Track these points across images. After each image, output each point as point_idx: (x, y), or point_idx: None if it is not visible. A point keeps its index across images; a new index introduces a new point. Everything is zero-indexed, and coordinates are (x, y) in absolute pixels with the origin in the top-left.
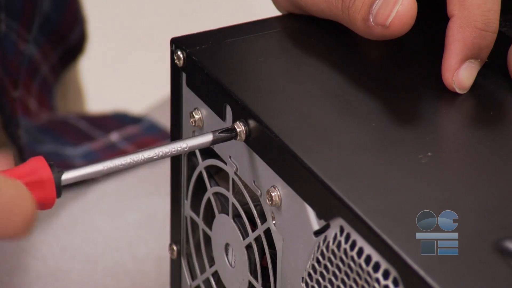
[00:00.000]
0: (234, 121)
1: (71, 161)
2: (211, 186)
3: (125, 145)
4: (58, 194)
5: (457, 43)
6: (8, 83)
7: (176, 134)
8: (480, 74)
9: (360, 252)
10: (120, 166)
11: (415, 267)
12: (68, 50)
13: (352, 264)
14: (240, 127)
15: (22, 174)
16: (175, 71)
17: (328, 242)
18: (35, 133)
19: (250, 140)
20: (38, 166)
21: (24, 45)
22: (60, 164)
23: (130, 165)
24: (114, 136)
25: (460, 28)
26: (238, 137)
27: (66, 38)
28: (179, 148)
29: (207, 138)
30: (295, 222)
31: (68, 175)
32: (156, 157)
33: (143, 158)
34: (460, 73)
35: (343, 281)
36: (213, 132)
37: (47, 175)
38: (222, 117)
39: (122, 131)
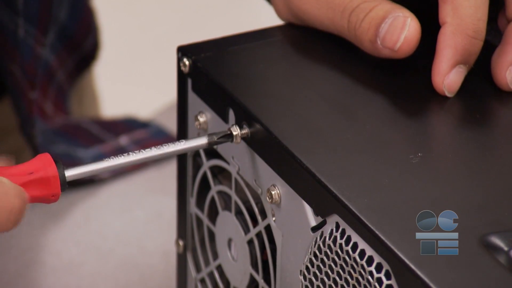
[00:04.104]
0: (236, 123)
1: (82, 162)
2: (214, 185)
3: (133, 148)
4: (63, 188)
5: (449, 48)
6: (25, 84)
7: (182, 136)
8: (467, 80)
9: (355, 247)
10: (120, 164)
11: (406, 260)
12: (82, 57)
13: (347, 258)
14: (236, 131)
15: (28, 170)
16: (181, 77)
17: (325, 238)
18: (50, 135)
19: (252, 142)
20: (44, 163)
21: (41, 48)
22: (71, 164)
23: (130, 163)
24: (124, 140)
25: (453, 35)
26: (234, 140)
27: (80, 45)
28: (174, 149)
29: (203, 140)
30: (293, 219)
31: (72, 172)
32: (157, 156)
33: (143, 157)
34: (450, 77)
35: (338, 274)
36: (209, 135)
37: (52, 172)
38: (225, 120)
39: (131, 135)
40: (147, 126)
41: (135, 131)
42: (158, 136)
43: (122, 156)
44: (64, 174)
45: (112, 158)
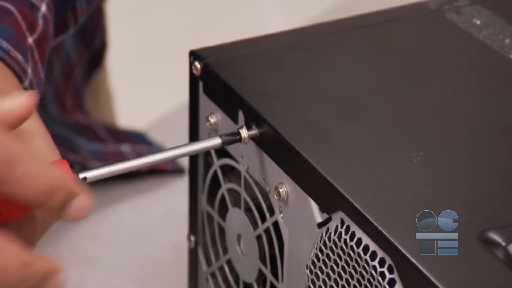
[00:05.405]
0: (246, 124)
1: (80, 150)
2: (225, 183)
3: (133, 157)
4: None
5: None
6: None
7: (193, 136)
8: (464, 80)
9: (359, 242)
10: (137, 166)
11: (408, 255)
12: (93, 56)
13: (351, 253)
14: (244, 132)
15: None
16: (193, 80)
17: (330, 233)
18: (55, 122)
19: (260, 142)
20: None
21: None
22: (68, 148)
23: (147, 164)
24: (126, 147)
25: None
26: (242, 141)
27: (92, 43)
28: (190, 150)
29: (216, 141)
30: (300, 215)
31: (88, 174)
32: (173, 157)
33: (160, 158)
34: None
35: (343, 268)
36: (220, 136)
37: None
38: (235, 121)
39: (133, 147)
40: (150, 145)
41: (138, 144)
42: None
43: (140, 159)
44: (79, 176)
45: (129, 160)
